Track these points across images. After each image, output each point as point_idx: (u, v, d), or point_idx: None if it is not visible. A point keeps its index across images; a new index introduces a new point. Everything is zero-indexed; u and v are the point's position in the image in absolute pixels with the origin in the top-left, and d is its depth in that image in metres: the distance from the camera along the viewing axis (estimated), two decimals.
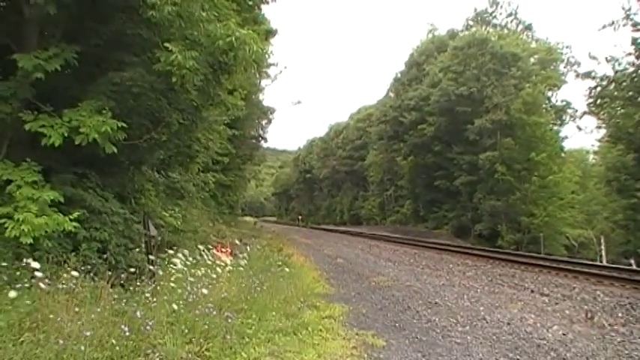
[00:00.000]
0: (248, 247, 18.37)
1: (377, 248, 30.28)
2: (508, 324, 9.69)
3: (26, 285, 6.62)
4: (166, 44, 8.93)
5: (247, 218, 73.52)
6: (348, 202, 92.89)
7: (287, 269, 15.20)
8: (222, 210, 34.60)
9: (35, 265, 6.78)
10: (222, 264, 11.70)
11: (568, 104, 55.15)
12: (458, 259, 22.79)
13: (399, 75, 69.31)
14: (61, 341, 5.46)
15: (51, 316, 5.92)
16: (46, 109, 8.77)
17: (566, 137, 57.48)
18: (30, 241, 7.70)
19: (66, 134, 8.45)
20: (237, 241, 20.59)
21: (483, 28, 59.66)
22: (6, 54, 8.93)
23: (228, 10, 10.70)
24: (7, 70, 9.16)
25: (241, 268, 12.37)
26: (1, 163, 8.46)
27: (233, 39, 9.28)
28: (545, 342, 8.43)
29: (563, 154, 48.16)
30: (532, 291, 13.82)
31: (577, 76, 40.51)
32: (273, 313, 9.57)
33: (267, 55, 13.11)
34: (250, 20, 16.48)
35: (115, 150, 9.10)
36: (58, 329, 5.72)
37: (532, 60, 54.31)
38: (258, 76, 32.29)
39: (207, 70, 10.08)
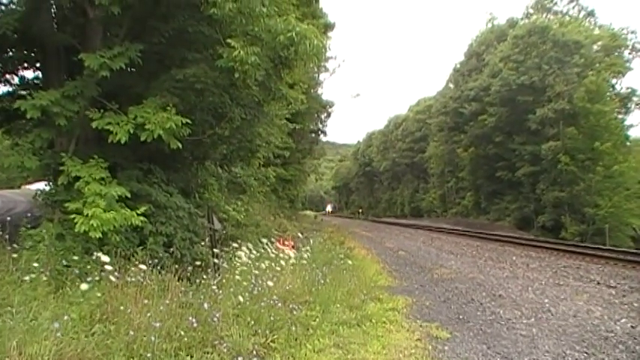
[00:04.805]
0: (310, 241, 18.45)
1: (438, 240, 30.02)
2: (574, 316, 9.47)
3: (96, 278, 6.83)
4: (228, 40, 9.00)
5: (308, 212, 73.82)
6: (409, 195, 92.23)
7: (349, 262, 15.23)
8: (282, 204, 34.80)
9: (105, 258, 6.98)
10: (286, 257, 11.79)
11: (633, 92, 53.36)
12: (521, 251, 22.38)
13: (458, 66, 68.55)
14: (131, 332, 5.61)
15: (121, 308, 6.09)
16: (112, 107, 8.99)
17: (632, 126, 55.54)
18: (99, 235, 7.93)
19: (131, 131, 8.62)
20: (299, 235, 20.71)
21: (544, 16, 58.20)
22: (72, 54, 9.22)
23: (288, 5, 10.74)
24: (73, 70, 9.47)
25: (304, 261, 12.43)
26: (70, 160, 8.74)
27: (294, 34, 9.28)
28: (613, 335, 8.21)
29: (628, 143, 46.58)
30: (598, 283, 13.45)
31: None
32: (337, 305, 9.59)
33: (325, 49, 13.08)
34: (309, 14, 16.57)
35: (180, 146, 9.24)
36: (127, 321, 5.88)
37: (595, 47, 52.56)
38: (317, 69, 32.37)
39: (268, 65, 10.09)
